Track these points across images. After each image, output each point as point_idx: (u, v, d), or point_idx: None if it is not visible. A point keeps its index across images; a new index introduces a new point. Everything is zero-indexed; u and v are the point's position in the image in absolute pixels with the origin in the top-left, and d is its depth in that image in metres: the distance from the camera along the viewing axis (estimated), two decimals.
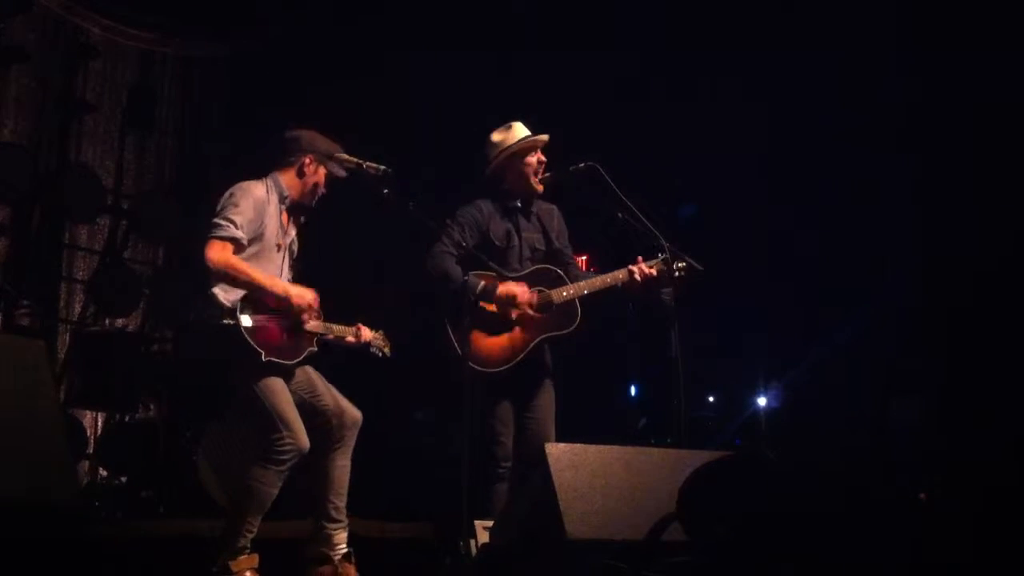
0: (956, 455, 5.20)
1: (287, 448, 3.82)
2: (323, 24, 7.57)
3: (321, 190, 4.17)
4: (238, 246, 3.91)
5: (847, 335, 6.56)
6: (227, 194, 3.99)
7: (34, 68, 6.88)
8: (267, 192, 4.05)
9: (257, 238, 3.99)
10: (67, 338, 6.73)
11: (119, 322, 6.93)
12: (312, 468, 4.12)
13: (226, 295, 3.86)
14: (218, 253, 3.85)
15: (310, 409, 4.02)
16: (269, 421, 3.84)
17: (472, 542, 3.79)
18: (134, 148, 7.45)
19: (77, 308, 6.94)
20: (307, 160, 4.13)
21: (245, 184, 4.03)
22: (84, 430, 6.30)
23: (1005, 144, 5.83)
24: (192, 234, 6.75)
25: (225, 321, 3.80)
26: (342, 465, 4.08)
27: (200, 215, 6.44)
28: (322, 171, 4.15)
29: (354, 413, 4.11)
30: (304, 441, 3.86)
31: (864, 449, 6.17)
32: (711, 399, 7.63)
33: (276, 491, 3.86)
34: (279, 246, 4.10)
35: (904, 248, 6.42)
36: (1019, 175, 5.75)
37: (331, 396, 4.09)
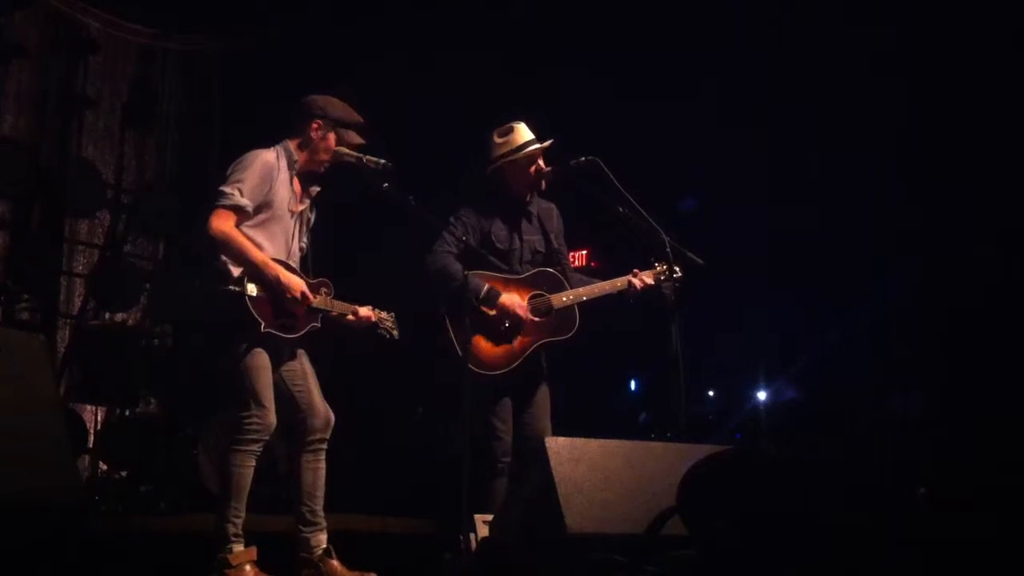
0: (955, 450, 5.21)
1: (254, 426, 3.85)
2: (323, 20, 7.56)
3: (327, 157, 4.11)
4: (243, 214, 3.90)
5: (846, 331, 6.56)
6: (236, 161, 4.00)
7: (34, 63, 6.88)
8: (277, 159, 4.03)
9: (266, 205, 3.98)
10: (67, 333, 6.75)
11: (119, 317, 6.93)
12: (289, 468, 4.14)
13: (234, 263, 3.86)
14: (220, 223, 3.85)
15: (289, 401, 4.02)
16: (243, 399, 3.86)
17: (472, 537, 3.79)
18: (134, 143, 7.46)
19: (77, 303, 6.95)
20: (315, 125, 4.09)
21: (254, 151, 4.02)
22: (84, 425, 6.30)
23: (1005, 142, 5.84)
24: (192, 228, 6.82)
25: (230, 287, 3.80)
26: (315, 467, 4.06)
27: (200, 210, 6.50)
28: (332, 137, 4.11)
29: (327, 415, 4.10)
30: (271, 420, 3.88)
31: (863, 444, 6.18)
32: (711, 394, 7.64)
33: (249, 472, 3.86)
34: (292, 212, 4.09)
35: (904, 245, 6.42)
36: (1019, 172, 5.75)
37: (312, 394, 4.09)
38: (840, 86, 6.55)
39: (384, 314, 4.23)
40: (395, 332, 4.26)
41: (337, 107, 4.15)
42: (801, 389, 7.08)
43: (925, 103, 6.26)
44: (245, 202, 3.90)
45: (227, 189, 3.90)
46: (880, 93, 6.46)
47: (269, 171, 3.99)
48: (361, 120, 4.19)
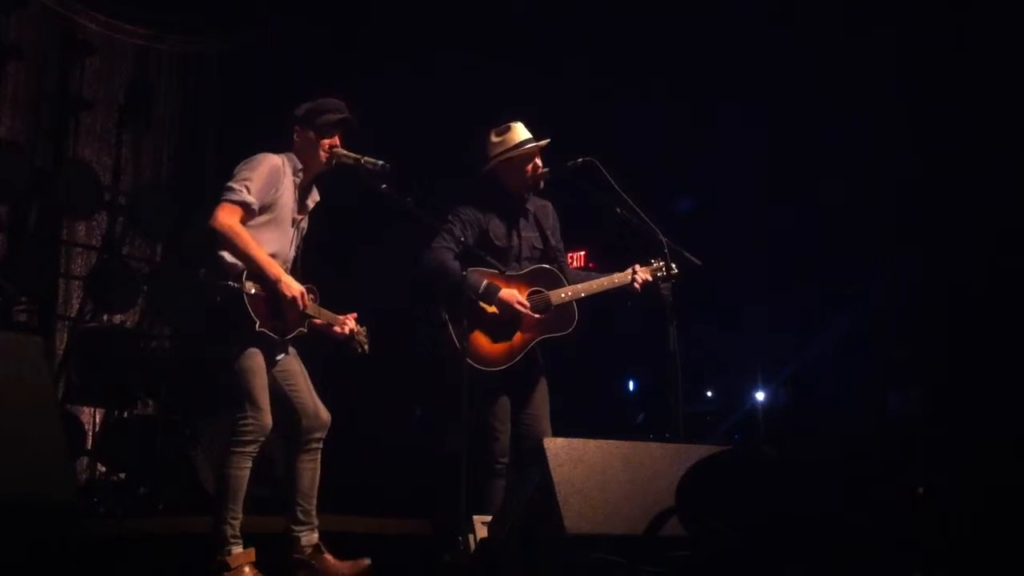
0: (955, 449, 5.20)
1: (249, 427, 3.84)
2: (320, 21, 7.56)
3: (317, 150, 4.11)
4: (248, 211, 3.91)
5: (844, 329, 6.56)
6: (243, 161, 4.01)
7: (31, 65, 6.87)
8: (283, 164, 4.06)
9: (271, 206, 3.99)
10: (65, 334, 6.73)
11: (117, 318, 6.93)
12: (284, 468, 4.15)
13: (235, 259, 3.87)
14: (226, 217, 3.85)
15: (284, 401, 4.03)
16: (239, 400, 3.86)
17: (471, 537, 3.79)
18: (131, 144, 7.44)
19: (75, 304, 6.94)
20: (295, 133, 4.13)
21: (262, 154, 4.04)
22: (82, 427, 6.30)
23: (1003, 141, 5.84)
24: (189, 230, 6.82)
25: (230, 283, 3.80)
26: (310, 468, 4.08)
27: (197, 211, 6.51)
28: (311, 133, 4.11)
29: (324, 415, 4.11)
30: (267, 421, 3.88)
31: (862, 443, 6.17)
32: (709, 394, 7.63)
33: (245, 473, 3.86)
34: (293, 220, 4.11)
35: (904, 243, 6.41)
36: (1018, 170, 5.75)
37: (307, 395, 4.10)
38: (839, 86, 6.55)
39: (360, 327, 4.25)
40: (366, 347, 4.27)
41: (302, 108, 4.15)
42: (793, 390, 7.08)
43: (923, 100, 6.26)
44: (252, 200, 3.90)
45: (235, 185, 3.90)
46: (879, 92, 6.46)
47: (276, 174, 4.01)
48: (334, 100, 4.18)
